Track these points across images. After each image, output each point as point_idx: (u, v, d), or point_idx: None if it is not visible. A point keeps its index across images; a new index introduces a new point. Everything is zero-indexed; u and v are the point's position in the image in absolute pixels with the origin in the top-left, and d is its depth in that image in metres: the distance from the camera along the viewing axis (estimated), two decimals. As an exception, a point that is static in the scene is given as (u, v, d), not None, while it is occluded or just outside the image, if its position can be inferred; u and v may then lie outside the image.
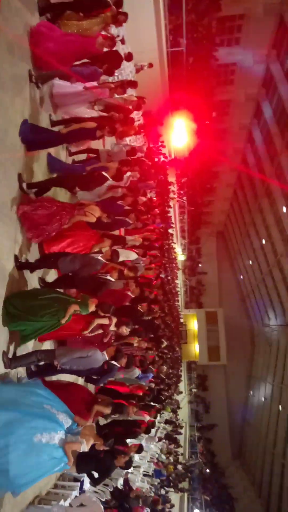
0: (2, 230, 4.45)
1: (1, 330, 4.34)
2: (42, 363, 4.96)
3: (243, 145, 32.97)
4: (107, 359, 5.23)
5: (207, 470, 32.23)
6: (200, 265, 45.71)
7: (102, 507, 4.95)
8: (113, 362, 5.44)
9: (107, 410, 5.12)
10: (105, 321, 5.06)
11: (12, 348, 4.52)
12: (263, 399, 34.06)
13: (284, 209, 26.33)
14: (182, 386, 32.55)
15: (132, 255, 7.31)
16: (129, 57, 8.52)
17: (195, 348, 38.37)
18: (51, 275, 5.74)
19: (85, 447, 3.90)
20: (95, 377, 5.92)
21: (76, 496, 4.16)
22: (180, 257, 31.78)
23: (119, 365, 5.63)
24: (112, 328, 5.33)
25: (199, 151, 26.67)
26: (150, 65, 11.69)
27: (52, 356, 4.78)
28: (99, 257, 5.20)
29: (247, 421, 38.68)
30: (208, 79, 22.86)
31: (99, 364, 5.11)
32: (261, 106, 28.32)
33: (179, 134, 16.84)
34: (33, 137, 4.99)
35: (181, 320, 33.85)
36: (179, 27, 15.89)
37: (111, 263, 5.40)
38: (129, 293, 6.63)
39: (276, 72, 24.54)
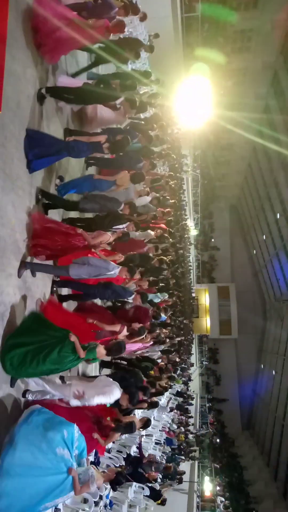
0: (18, 203, 4.46)
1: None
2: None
3: (259, 115, 31.94)
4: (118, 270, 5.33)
5: (217, 440, 33.11)
6: (212, 240, 45.42)
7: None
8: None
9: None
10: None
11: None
12: (273, 372, 34.44)
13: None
14: (194, 358, 33.03)
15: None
16: (144, 17, 8.21)
17: (206, 322, 38.70)
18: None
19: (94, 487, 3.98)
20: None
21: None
22: (193, 231, 31.54)
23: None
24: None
25: (214, 122, 25.98)
26: (156, 36, 11.21)
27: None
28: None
29: (258, 394, 39.31)
30: (223, 46, 22.01)
31: (109, 271, 5.10)
32: (278, 74, 27.22)
33: (193, 104, 16.35)
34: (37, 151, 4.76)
35: (193, 295, 33.98)
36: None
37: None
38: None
39: (296, 38, 23.43)
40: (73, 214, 6.27)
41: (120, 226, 5.78)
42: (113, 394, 4.63)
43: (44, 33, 4.89)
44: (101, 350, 4.44)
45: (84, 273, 4.88)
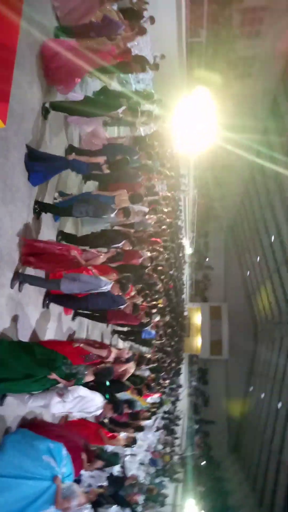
0: (15, 214, 4.49)
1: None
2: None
3: (258, 139, 32.56)
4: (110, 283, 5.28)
5: (203, 462, 32.58)
6: (207, 259, 45.60)
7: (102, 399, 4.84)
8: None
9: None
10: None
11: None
12: (262, 395, 34.17)
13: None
14: (183, 378, 32.74)
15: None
16: (152, 20, 8.35)
17: (197, 342, 38.50)
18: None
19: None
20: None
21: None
22: (188, 250, 31.67)
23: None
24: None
25: (213, 143, 26.35)
26: (162, 56, 11.53)
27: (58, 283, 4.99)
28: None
29: (245, 417, 38.88)
30: (226, 71, 22.58)
31: (100, 287, 5.08)
32: (277, 100, 27.92)
33: (195, 125, 16.62)
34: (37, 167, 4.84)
35: (185, 313, 33.90)
36: (200, 17, 15.63)
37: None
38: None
39: (296, 67, 24.10)
40: (68, 228, 6.30)
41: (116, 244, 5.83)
42: (97, 395, 4.57)
43: (54, 68, 5.05)
44: (88, 377, 4.46)
45: (75, 288, 4.89)
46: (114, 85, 6.96)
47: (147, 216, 7.56)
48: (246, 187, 39.52)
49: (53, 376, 4.09)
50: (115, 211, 5.61)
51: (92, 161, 5.49)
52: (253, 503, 30.74)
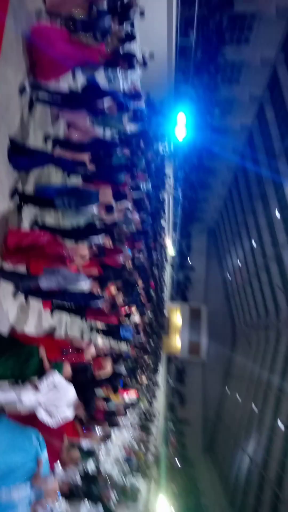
0: (-5, 206, 4.47)
1: None
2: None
3: (242, 144, 33.01)
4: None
5: (177, 461, 32.80)
6: (188, 260, 45.93)
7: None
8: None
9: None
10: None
11: None
12: (238, 396, 34.65)
13: (277, 214, 26.53)
14: (160, 377, 32.90)
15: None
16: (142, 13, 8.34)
17: (175, 341, 38.76)
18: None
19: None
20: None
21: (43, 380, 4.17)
22: (170, 250, 31.90)
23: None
24: None
25: (199, 146, 26.65)
26: (151, 55, 11.59)
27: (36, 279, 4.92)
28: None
29: (220, 417, 39.35)
30: (214, 75, 22.82)
31: (78, 282, 5.11)
32: (264, 107, 28.34)
33: (180, 127, 16.82)
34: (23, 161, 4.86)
35: (165, 312, 34.08)
36: (190, 20, 15.77)
37: None
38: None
39: (282, 76, 24.52)
40: (48, 221, 6.26)
41: (97, 240, 5.82)
42: (70, 387, 4.50)
43: (39, 53, 5.00)
44: (68, 368, 4.43)
45: (54, 283, 4.86)
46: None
47: (129, 214, 7.58)
48: (229, 191, 39.96)
49: (42, 352, 4.08)
50: (98, 206, 5.60)
51: (77, 157, 5.47)
52: (224, 503, 31.18)
